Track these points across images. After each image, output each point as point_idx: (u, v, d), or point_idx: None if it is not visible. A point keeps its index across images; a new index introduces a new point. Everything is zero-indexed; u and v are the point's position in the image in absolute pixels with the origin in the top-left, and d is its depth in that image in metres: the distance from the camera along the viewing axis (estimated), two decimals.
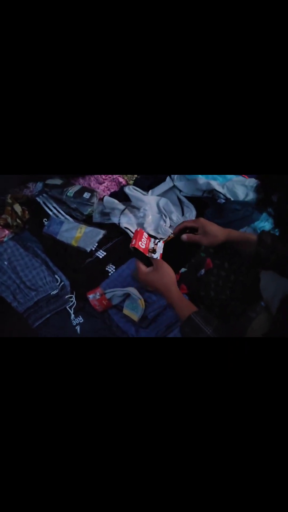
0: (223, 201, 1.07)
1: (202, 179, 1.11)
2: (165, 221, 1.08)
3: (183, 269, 1.00)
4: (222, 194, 1.07)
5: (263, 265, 0.70)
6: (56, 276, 0.99)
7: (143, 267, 0.72)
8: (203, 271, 1.00)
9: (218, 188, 1.08)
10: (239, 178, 1.13)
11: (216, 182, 1.10)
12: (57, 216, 1.13)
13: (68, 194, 1.13)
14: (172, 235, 0.82)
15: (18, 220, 1.08)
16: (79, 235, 1.07)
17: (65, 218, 1.12)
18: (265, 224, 1.02)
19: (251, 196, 1.07)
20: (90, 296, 0.92)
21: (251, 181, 1.10)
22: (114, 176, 1.21)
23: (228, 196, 1.07)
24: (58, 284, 0.98)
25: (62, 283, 0.98)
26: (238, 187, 1.09)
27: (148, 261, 0.76)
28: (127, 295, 0.92)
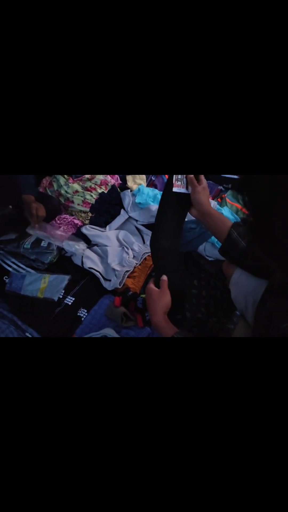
0: None
1: (154, 206, 1.15)
2: (127, 253, 1.09)
3: None
4: None
5: (234, 257, 0.74)
6: (27, 334, 0.94)
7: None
8: None
9: None
10: None
11: None
12: (18, 271, 1.09)
13: (25, 246, 1.11)
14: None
15: None
16: (44, 286, 1.04)
17: (27, 271, 1.09)
18: None
19: None
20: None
21: None
22: (69, 219, 1.21)
23: None
24: None
25: None
26: None
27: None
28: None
